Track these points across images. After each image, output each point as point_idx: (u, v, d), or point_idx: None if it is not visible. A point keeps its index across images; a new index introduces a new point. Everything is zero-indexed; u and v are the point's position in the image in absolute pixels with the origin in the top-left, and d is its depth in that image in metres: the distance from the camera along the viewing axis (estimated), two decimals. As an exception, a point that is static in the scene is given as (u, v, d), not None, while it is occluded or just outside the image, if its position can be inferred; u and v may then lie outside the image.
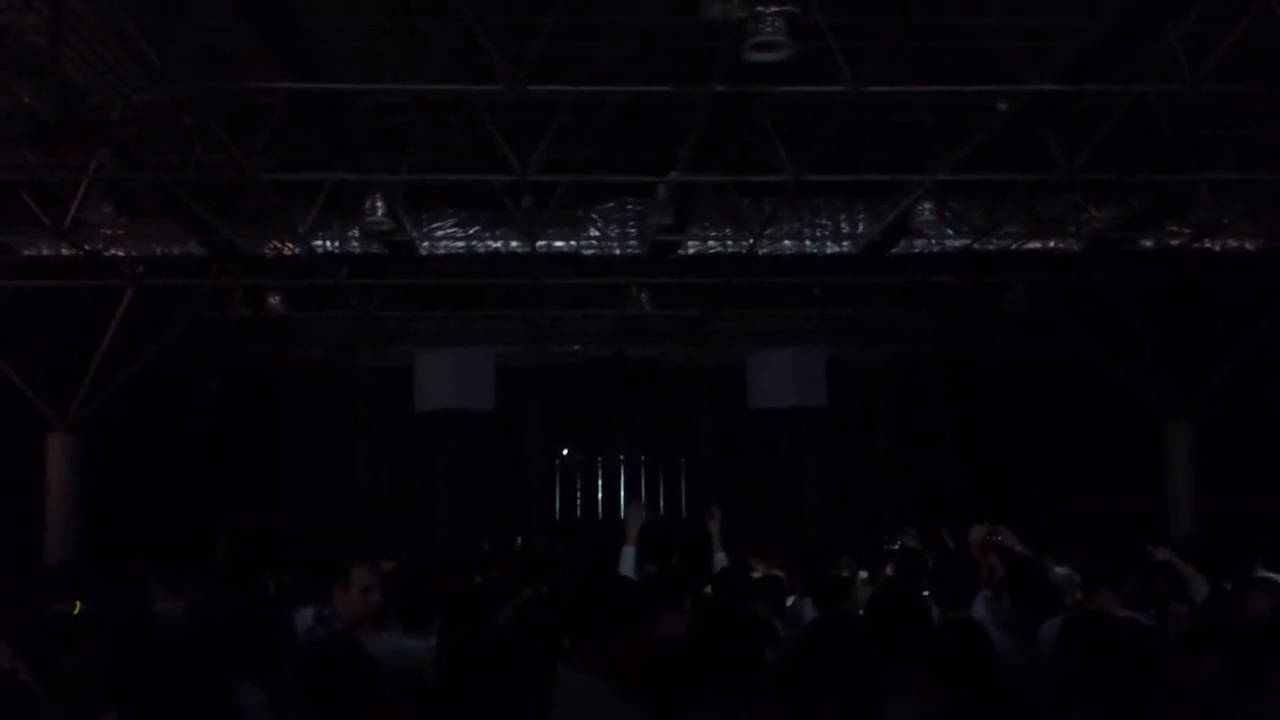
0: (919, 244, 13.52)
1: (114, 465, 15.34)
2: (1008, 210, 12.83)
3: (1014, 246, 13.79)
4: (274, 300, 14.73)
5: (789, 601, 8.51)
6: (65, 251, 12.91)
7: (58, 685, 4.72)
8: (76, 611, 7.49)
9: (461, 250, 13.51)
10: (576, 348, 18.38)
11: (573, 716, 4.37)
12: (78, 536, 14.65)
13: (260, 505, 17.57)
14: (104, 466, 15.22)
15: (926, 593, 6.86)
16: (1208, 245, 13.77)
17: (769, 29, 7.36)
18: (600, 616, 4.73)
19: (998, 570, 7.25)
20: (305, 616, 6.81)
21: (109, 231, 12.46)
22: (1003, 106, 9.90)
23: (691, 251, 13.77)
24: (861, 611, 6.82)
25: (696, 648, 4.66)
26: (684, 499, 20.30)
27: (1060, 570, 8.23)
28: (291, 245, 13.11)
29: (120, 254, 13.40)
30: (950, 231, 13.30)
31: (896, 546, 10.76)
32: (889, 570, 9.44)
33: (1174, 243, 13.70)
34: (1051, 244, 13.79)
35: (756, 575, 9.00)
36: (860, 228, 13.38)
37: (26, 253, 13.22)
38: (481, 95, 9.63)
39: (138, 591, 8.44)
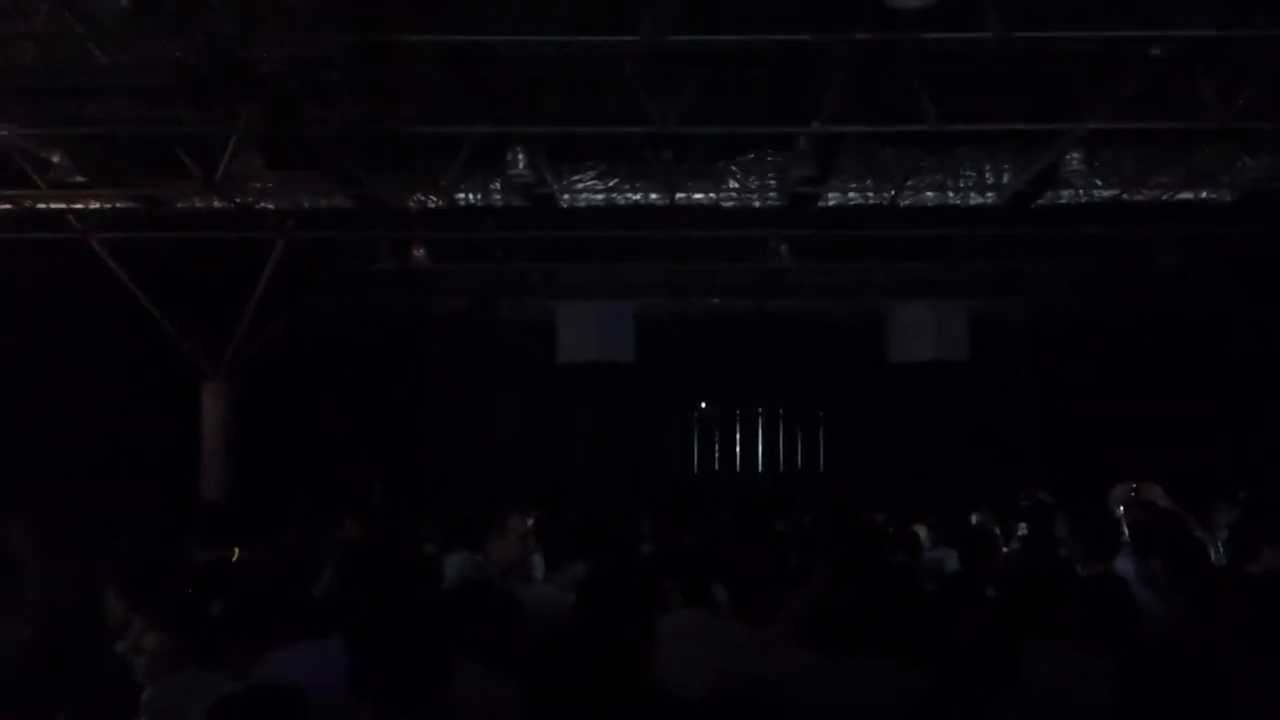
0: (1066, 195, 13.18)
1: (265, 414, 15.77)
2: (1159, 160, 12.46)
3: (1165, 197, 13.38)
4: (418, 253, 14.98)
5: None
6: (216, 204, 13.24)
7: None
8: (235, 558, 7.76)
9: (601, 202, 13.56)
10: (716, 300, 18.36)
11: (741, 667, 4.42)
12: (231, 484, 15.12)
13: (406, 455, 17.96)
14: (256, 415, 15.66)
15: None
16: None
17: (914, -26, 7.24)
18: (757, 568, 4.79)
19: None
20: (453, 564, 6.98)
21: (258, 184, 12.75)
22: (1155, 52, 9.60)
23: (832, 203, 13.63)
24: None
25: (848, 597, 4.69)
26: (821, 453, 20.24)
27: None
28: (435, 198, 13.28)
29: (270, 207, 13.70)
30: (1099, 182, 12.94)
31: (1029, 503, 10.65)
32: (1022, 526, 9.35)
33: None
34: (1204, 194, 13.35)
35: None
36: (1005, 179, 13.09)
37: (179, 205, 13.59)
38: (622, 46, 9.63)
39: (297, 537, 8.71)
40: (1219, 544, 7.36)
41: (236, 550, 7.90)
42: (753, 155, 13.01)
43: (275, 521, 8.99)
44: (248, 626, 4.74)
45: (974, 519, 9.77)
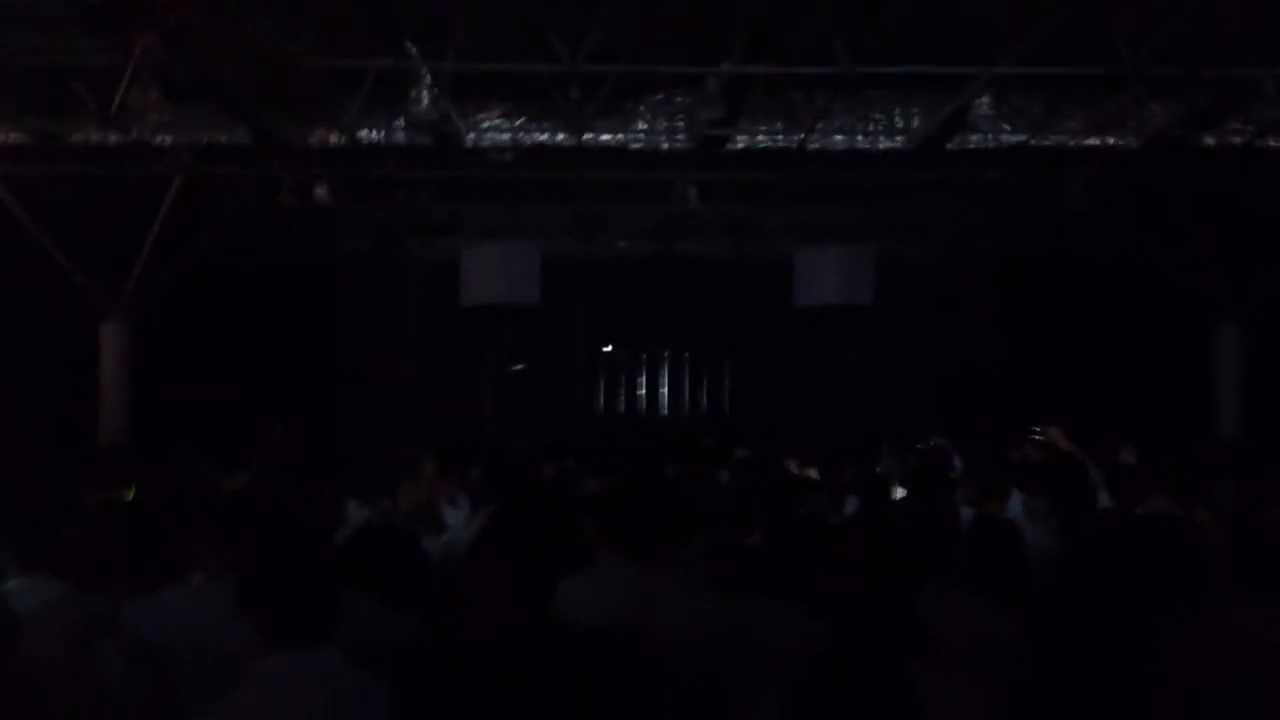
0: (975, 139, 13.27)
1: (165, 355, 15.47)
2: (1068, 106, 12.56)
3: (1072, 143, 13.52)
4: (320, 191, 14.69)
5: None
6: (113, 139, 12.88)
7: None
8: (130, 497, 7.61)
9: (507, 142, 13.40)
10: (623, 243, 18.27)
11: (642, 611, 4.42)
12: (129, 424, 14.83)
13: (309, 396, 17.73)
14: (155, 356, 15.35)
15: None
16: (1270, 144, 13.45)
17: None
18: (670, 515, 4.78)
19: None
20: (355, 511, 6.91)
21: (156, 118, 12.42)
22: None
23: (741, 146, 13.60)
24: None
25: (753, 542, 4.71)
26: (728, 396, 20.33)
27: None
28: (337, 135, 13.02)
29: (167, 141, 13.36)
30: (1007, 127, 13.04)
31: (924, 447, 10.79)
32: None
33: (1236, 140, 13.39)
34: (1111, 140, 13.50)
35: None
36: (915, 123, 13.13)
37: (74, 139, 13.21)
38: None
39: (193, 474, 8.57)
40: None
41: (130, 491, 7.76)
42: (661, 96, 12.93)
43: (168, 463, 8.84)
44: (123, 568, 4.67)
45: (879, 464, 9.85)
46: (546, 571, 3.79)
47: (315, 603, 3.64)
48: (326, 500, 6.90)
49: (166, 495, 6.94)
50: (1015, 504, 6.91)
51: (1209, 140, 13.48)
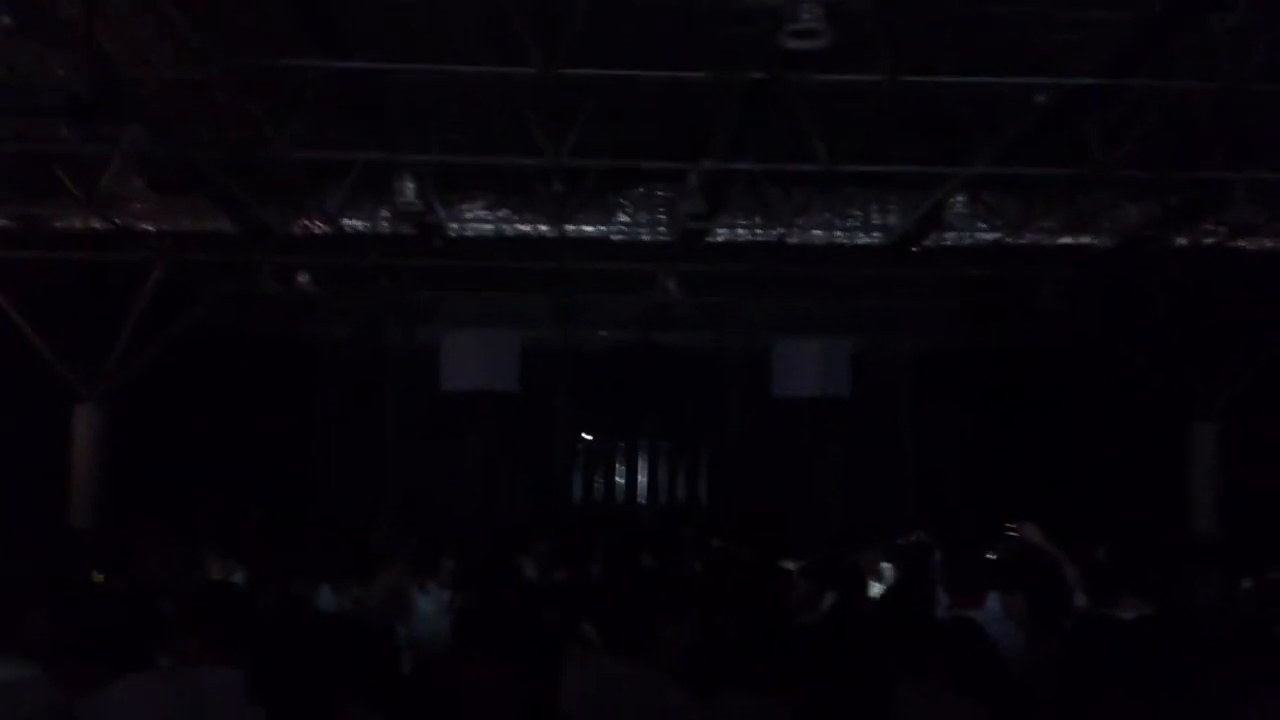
0: (950, 236, 13.44)
1: (140, 439, 15.38)
2: (1042, 205, 12.74)
3: (1046, 241, 13.70)
4: (303, 278, 14.73)
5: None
6: (95, 225, 12.94)
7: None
8: (99, 581, 7.53)
9: (490, 233, 13.53)
10: (603, 333, 18.36)
11: (612, 704, 4.38)
12: (101, 508, 14.71)
13: (288, 482, 17.64)
14: (130, 440, 15.27)
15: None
16: (1242, 245, 13.65)
17: (807, 16, 7.31)
18: (644, 605, 4.74)
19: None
20: (327, 596, 6.85)
21: (139, 205, 12.50)
22: (1040, 99, 9.82)
23: (721, 239, 13.74)
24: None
25: (728, 636, 4.67)
26: (705, 486, 20.29)
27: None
28: (321, 224, 13.11)
29: (150, 228, 13.43)
30: (983, 225, 13.22)
31: (905, 543, 10.75)
32: (887, 567, 9.47)
33: (1208, 241, 13.59)
34: (1085, 239, 13.69)
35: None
36: (891, 219, 13.31)
37: (57, 224, 13.26)
38: (514, 78, 9.60)
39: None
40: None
41: (99, 576, 7.68)
42: (643, 190, 13.08)
43: (140, 550, 8.75)
44: (87, 653, 4.62)
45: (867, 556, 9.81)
46: (553, 663, 3.77)
47: (322, 692, 3.65)
48: (299, 587, 6.86)
49: (137, 581, 6.88)
50: (994, 601, 6.90)
51: (1182, 240, 13.67)
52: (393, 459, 19.41)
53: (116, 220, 12.76)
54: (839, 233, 13.53)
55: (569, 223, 13.01)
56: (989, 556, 8.12)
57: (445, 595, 7.13)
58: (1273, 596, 6.91)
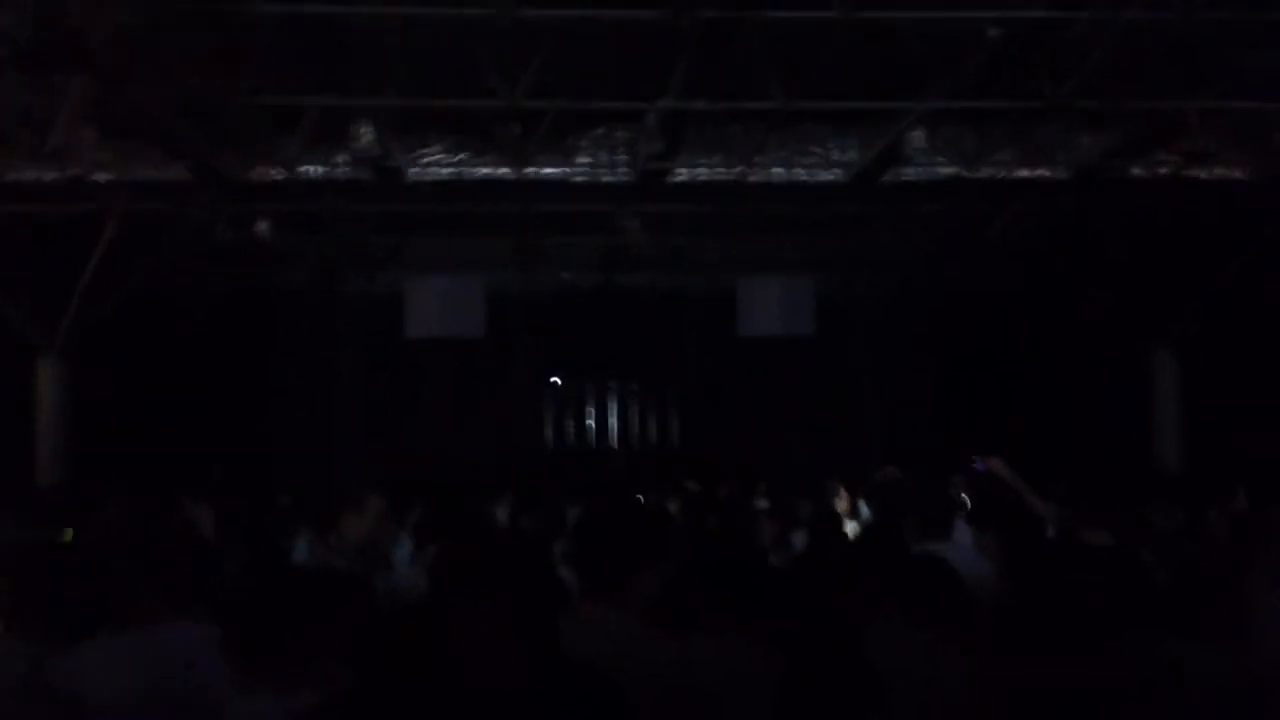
0: (909, 172, 13.46)
1: (103, 390, 15.31)
2: (999, 138, 12.78)
3: (1004, 175, 13.75)
4: (261, 226, 14.61)
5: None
6: (48, 176, 12.78)
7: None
8: (68, 539, 7.51)
9: (449, 176, 13.44)
10: (565, 275, 18.32)
11: (591, 649, 4.41)
12: (66, 461, 14.65)
13: (249, 432, 17.59)
14: (93, 392, 15.19)
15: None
16: (1197, 174, 13.73)
17: (761, -47, 7.28)
18: (620, 549, 4.76)
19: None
20: (301, 549, 6.86)
21: (92, 156, 12.33)
22: (993, 33, 9.83)
23: (681, 179, 13.71)
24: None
25: (704, 579, 4.71)
26: (673, 427, 20.37)
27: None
28: (278, 171, 12.98)
29: (104, 179, 13.26)
30: (941, 159, 13.24)
31: (879, 480, 10.85)
32: (862, 506, 9.58)
33: (1163, 171, 13.67)
34: (1041, 172, 13.74)
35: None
36: (851, 155, 13.31)
37: (8, 177, 13.08)
38: (471, 19, 9.52)
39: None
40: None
41: (69, 532, 7.66)
42: (602, 130, 13.01)
43: (107, 502, 8.72)
44: (53, 610, 4.62)
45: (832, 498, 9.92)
46: (550, 604, 3.78)
47: (296, 645, 3.65)
48: (272, 538, 6.87)
49: (107, 538, 6.86)
50: (963, 534, 6.97)
51: (1137, 171, 13.75)
52: (357, 408, 19.38)
53: (70, 171, 12.58)
54: (799, 170, 13.52)
55: (528, 165, 12.94)
56: (955, 490, 8.23)
57: (410, 544, 7.13)
58: (1238, 528, 7.01)
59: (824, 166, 13.39)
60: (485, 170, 13.36)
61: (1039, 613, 4.41)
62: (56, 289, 14.78)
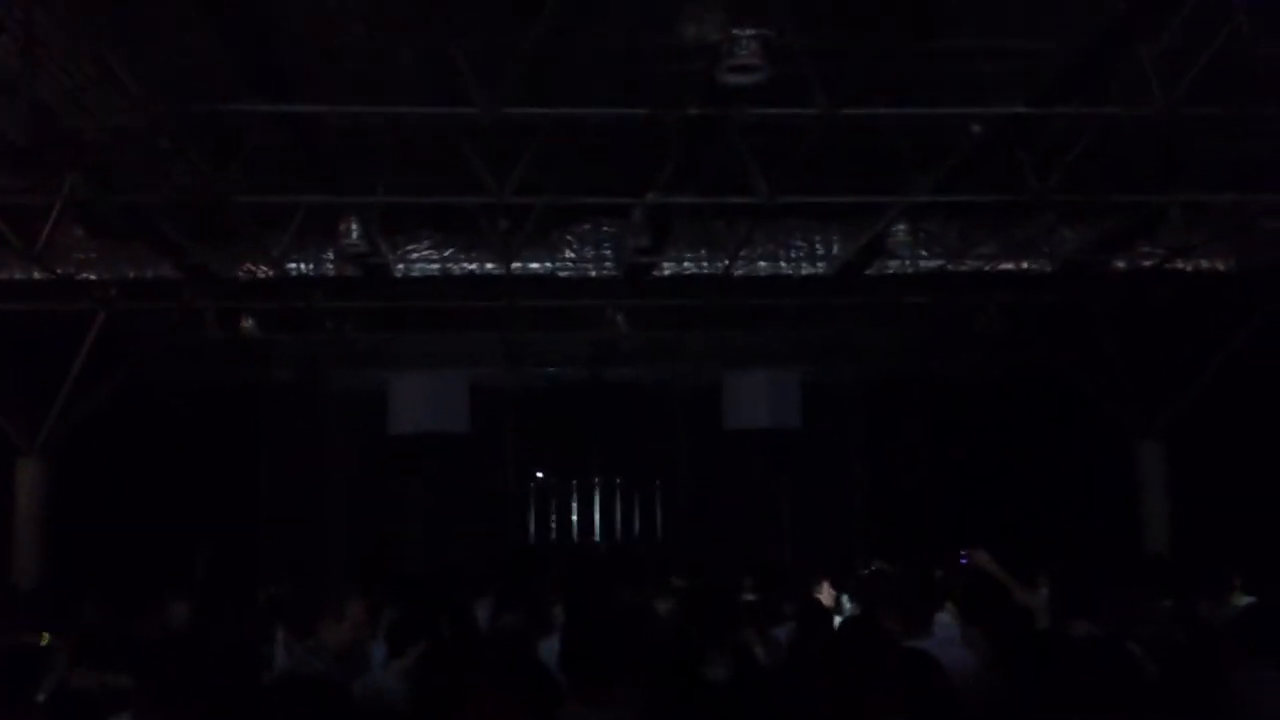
0: (893, 265, 13.55)
1: (85, 490, 15.20)
2: (982, 232, 12.89)
3: (988, 267, 13.85)
4: (247, 323, 14.63)
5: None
6: (37, 275, 12.81)
7: None
8: (45, 643, 7.41)
9: (436, 272, 13.50)
10: (552, 369, 18.33)
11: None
12: (46, 562, 14.49)
13: (233, 530, 17.46)
14: (74, 491, 15.08)
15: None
16: (1179, 266, 13.85)
17: (744, 51, 7.38)
18: (610, 652, 4.69)
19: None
20: (279, 652, 6.74)
21: (81, 255, 12.39)
22: (976, 129, 9.95)
23: (667, 273, 13.79)
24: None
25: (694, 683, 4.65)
26: (660, 521, 20.26)
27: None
28: (265, 268, 13.03)
29: (92, 277, 13.30)
30: (924, 252, 13.34)
31: (867, 573, 10.75)
32: (845, 599, 9.48)
33: (1146, 264, 13.78)
34: (1025, 265, 13.85)
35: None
36: (835, 249, 13.42)
37: (-1, 276, 13.13)
38: (457, 117, 9.61)
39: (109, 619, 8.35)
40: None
41: (45, 636, 7.55)
42: (588, 225, 13.11)
43: (85, 605, 8.63)
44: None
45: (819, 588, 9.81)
46: (547, 703, 3.73)
47: None
48: (254, 642, 6.76)
49: (83, 641, 6.77)
50: (941, 627, 6.90)
51: (1120, 264, 13.86)
52: (340, 505, 19.25)
53: (58, 270, 12.61)
54: (784, 264, 13.61)
55: (515, 260, 13.01)
56: (940, 583, 8.16)
57: (385, 647, 7.02)
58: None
59: (809, 259, 13.48)
60: (472, 265, 13.42)
61: (1030, 706, 4.37)
62: (39, 387, 14.74)
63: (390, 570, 14.82)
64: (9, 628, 7.79)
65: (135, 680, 4.65)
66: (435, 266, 13.39)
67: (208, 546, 15.73)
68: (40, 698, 5.03)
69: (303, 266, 13.16)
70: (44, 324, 14.15)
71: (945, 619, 6.92)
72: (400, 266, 13.31)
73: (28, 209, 11.38)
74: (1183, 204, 11.46)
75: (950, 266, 13.54)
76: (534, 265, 13.42)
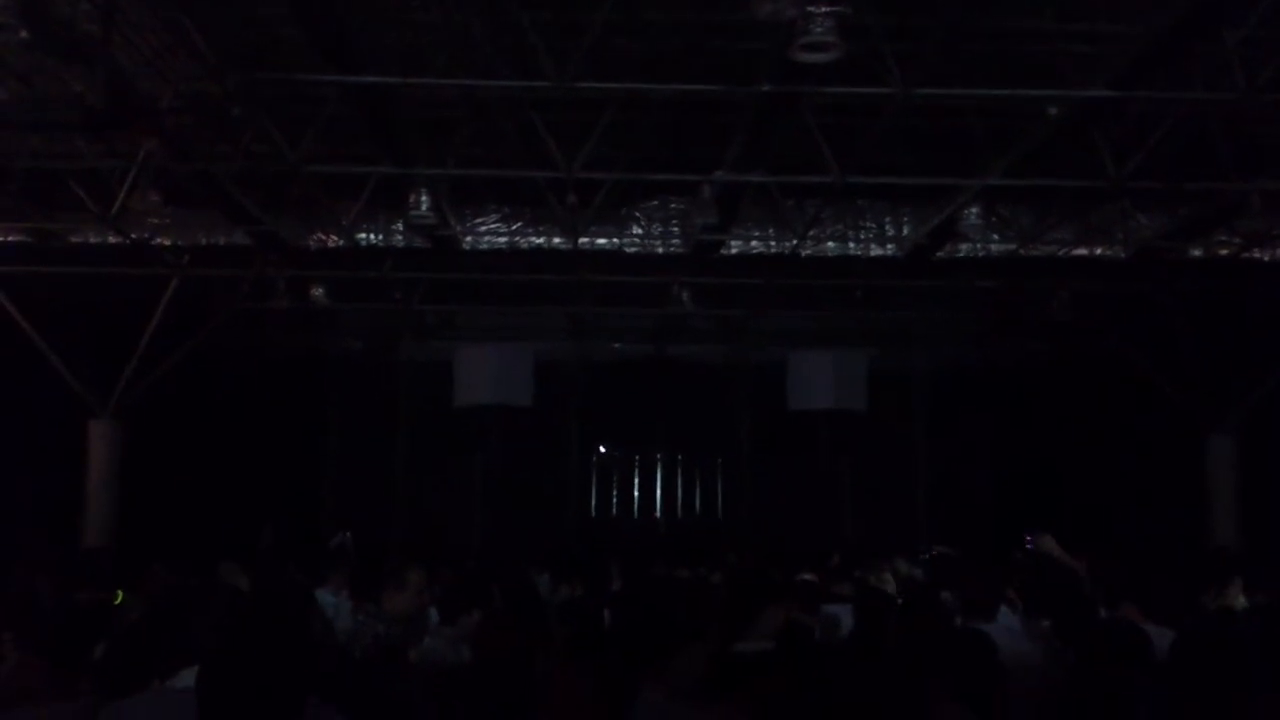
0: (964, 248, 13.41)
1: (155, 454, 15.40)
2: (1055, 216, 12.73)
3: (1060, 253, 13.68)
4: (317, 292, 14.78)
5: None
6: (112, 239, 12.99)
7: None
8: (119, 601, 7.54)
9: (504, 246, 13.54)
10: (617, 345, 18.37)
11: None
12: (116, 524, 14.72)
13: (299, 496, 17.67)
14: (145, 455, 15.28)
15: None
16: (1257, 255, 13.60)
17: (819, 29, 7.31)
18: (664, 627, 4.70)
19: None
20: (325, 595, 6.85)
21: (155, 220, 12.52)
22: (1053, 112, 9.81)
23: (734, 251, 13.73)
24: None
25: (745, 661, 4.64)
26: (720, 499, 20.24)
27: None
28: (335, 237, 13.14)
29: (166, 243, 13.48)
30: (996, 237, 13.20)
31: (929, 556, 10.69)
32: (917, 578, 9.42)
33: (1223, 252, 13.54)
34: (1099, 251, 13.65)
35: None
36: (905, 231, 13.30)
37: (73, 240, 13.31)
38: (529, 91, 9.62)
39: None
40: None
41: (119, 594, 7.69)
42: (656, 202, 13.09)
43: (155, 565, 8.77)
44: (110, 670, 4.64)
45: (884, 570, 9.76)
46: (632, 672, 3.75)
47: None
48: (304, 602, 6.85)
49: (155, 600, 6.88)
50: (1003, 616, 6.83)
51: (1196, 252, 13.63)
52: (405, 474, 19.41)
53: (132, 235, 12.78)
54: (852, 245, 13.50)
55: (583, 236, 13.03)
56: (1004, 568, 8.09)
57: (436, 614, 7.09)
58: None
59: (878, 241, 13.38)
60: (539, 240, 13.45)
61: (1100, 695, 4.32)
62: (113, 352, 14.95)
63: (450, 540, 14.95)
64: (81, 585, 7.93)
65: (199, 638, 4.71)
66: (503, 240, 13.43)
67: (275, 513, 15.90)
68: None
69: (372, 237, 13.25)
70: (118, 288, 14.36)
71: (1007, 612, 6.86)
72: (468, 239, 13.37)
73: (105, 174, 11.54)
74: (1263, 191, 11.25)
75: (1022, 251, 13.38)
76: (601, 241, 13.43)
